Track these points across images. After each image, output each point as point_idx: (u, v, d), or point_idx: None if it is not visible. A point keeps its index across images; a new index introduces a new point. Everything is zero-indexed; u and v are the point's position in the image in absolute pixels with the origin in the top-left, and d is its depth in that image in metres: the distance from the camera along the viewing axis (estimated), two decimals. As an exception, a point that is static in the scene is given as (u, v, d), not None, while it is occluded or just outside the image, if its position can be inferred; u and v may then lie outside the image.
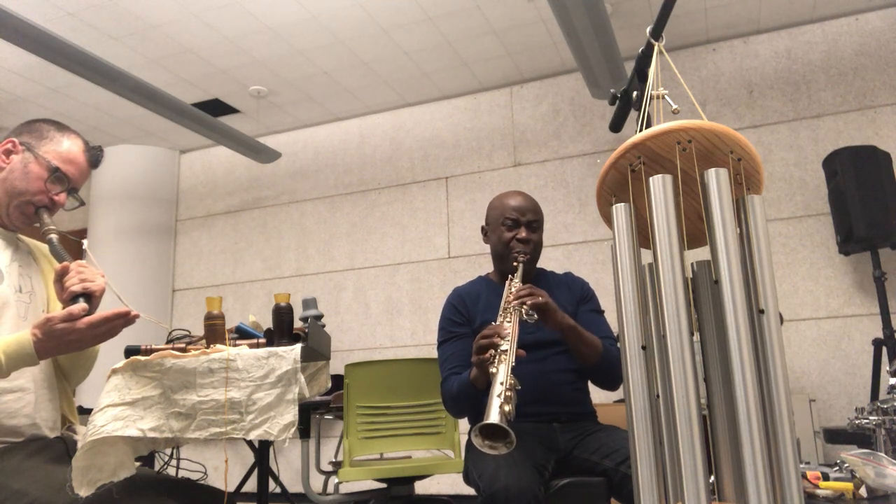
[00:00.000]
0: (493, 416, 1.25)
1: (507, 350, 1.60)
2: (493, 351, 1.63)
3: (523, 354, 1.65)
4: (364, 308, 5.24)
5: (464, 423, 2.40)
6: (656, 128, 1.09)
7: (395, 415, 2.96)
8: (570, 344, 1.96)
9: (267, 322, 1.98)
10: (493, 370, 1.54)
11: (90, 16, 4.05)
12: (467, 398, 1.90)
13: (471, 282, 2.27)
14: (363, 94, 5.20)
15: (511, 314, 1.79)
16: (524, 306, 1.82)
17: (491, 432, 1.27)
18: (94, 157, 1.72)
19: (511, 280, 2.01)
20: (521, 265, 2.05)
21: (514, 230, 2.11)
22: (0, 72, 4.62)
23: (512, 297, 1.85)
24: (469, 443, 2.08)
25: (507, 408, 1.30)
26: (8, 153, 1.64)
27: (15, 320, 1.54)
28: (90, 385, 1.81)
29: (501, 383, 1.42)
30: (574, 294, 2.19)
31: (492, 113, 5.18)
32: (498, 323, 1.78)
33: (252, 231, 5.76)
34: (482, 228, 2.26)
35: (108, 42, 4.30)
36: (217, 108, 5.24)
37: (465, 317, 2.13)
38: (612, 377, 2.03)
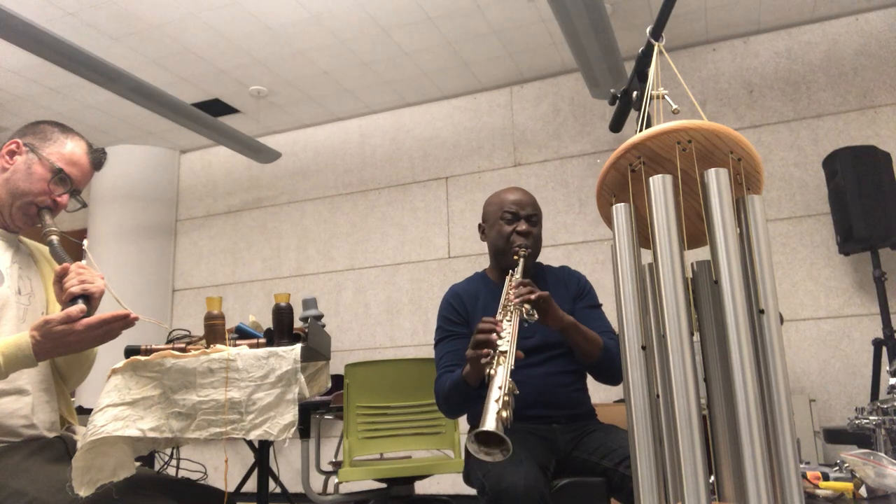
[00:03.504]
0: (490, 424, 1.22)
1: (506, 351, 1.55)
2: (491, 351, 1.58)
3: (521, 356, 1.60)
4: (364, 308, 5.24)
5: (464, 423, 2.40)
6: (656, 128, 1.09)
7: (395, 415, 2.97)
8: (571, 341, 1.93)
9: (267, 322, 1.98)
10: (492, 372, 1.49)
11: (90, 16, 4.05)
12: (458, 395, 1.85)
13: (468, 279, 2.23)
14: (363, 94, 5.20)
15: (511, 313, 1.73)
16: (525, 305, 1.76)
17: (487, 439, 1.25)
18: (97, 159, 1.72)
19: (511, 276, 1.96)
20: (521, 259, 2.00)
21: (514, 223, 2.07)
22: (0, 72, 4.62)
23: (513, 295, 1.80)
24: (469, 442, 2.08)
25: (504, 414, 1.27)
26: (11, 154, 1.64)
27: (15, 322, 1.54)
28: (90, 385, 1.81)
29: (500, 387, 1.37)
30: (570, 291, 2.16)
31: (492, 113, 5.18)
32: (497, 319, 1.71)
33: (252, 231, 5.77)
34: (479, 226, 2.21)
35: (108, 42, 4.30)
36: (217, 108, 5.24)
37: (463, 316, 2.09)
38: (613, 372, 2.00)
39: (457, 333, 2.07)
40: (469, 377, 1.74)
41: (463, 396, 1.83)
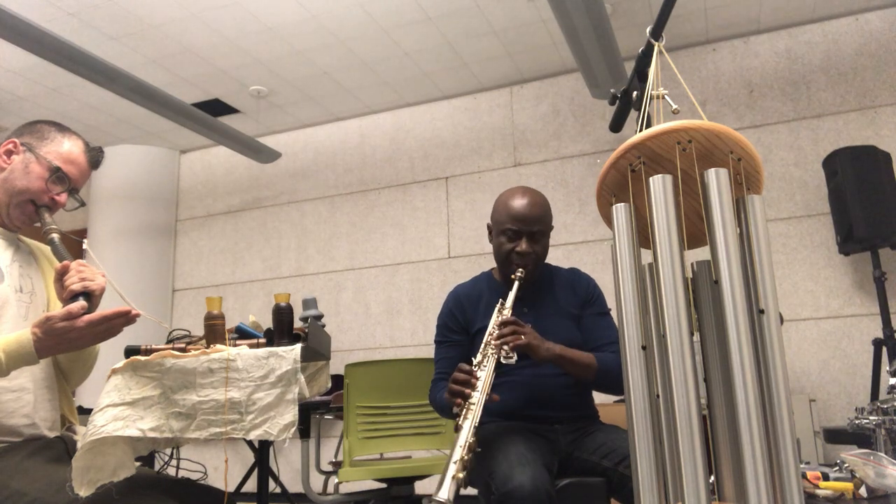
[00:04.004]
0: (444, 493, 1.31)
1: (475, 403, 1.62)
2: (462, 402, 1.64)
3: (497, 399, 1.68)
4: (364, 308, 5.24)
5: (464, 423, 2.39)
6: (656, 128, 1.09)
7: (395, 415, 2.96)
8: (562, 369, 1.93)
9: (267, 322, 1.98)
10: (460, 423, 1.56)
11: (90, 16, 4.05)
12: (447, 414, 1.92)
13: (474, 279, 2.21)
14: (363, 94, 5.20)
15: (489, 357, 1.76)
16: (504, 348, 1.76)
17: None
18: (95, 157, 1.72)
19: (501, 305, 1.93)
20: (516, 282, 1.96)
21: (515, 241, 1.98)
22: (0, 72, 4.62)
23: (495, 335, 1.80)
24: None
25: (461, 475, 1.35)
26: (9, 153, 1.64)
27: (15, 320, 1.54)
28: (90, 385, 1.81)
29: (461, 446, 1.44)
30: (578, 296, 2.11)
31: (492, 113, 5.18)
32: (477, 362, 1.76)
33: (252, 231, 5.76)
34: (488, 225, 2.15)
35: (108, 42, 4.30)
36: (217, 108, 5.24)
37: (462, 323, 2.09)
38: (612, 387, 1.99)
39: (454, 341, 2.09)
40: (449, 404, 1.78)
41: (451, 414, 1.86)
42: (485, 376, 1.69)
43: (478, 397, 1.63)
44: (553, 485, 1.76)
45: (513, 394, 2.00)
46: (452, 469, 1.35)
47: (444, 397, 1.74)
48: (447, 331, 2.11)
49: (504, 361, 1.76)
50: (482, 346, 1.82)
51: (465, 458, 1.40)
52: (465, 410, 1.61)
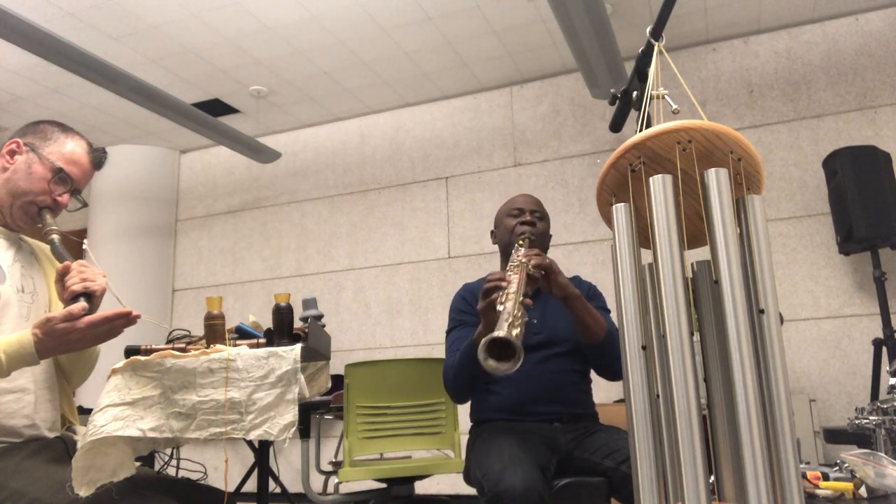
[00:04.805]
0: (503, 330, 1.23)
1: (513, 293, 1.59)
2: (499, 293, 1.63)
3: (530, 303, 1.62)
4: (364, 308, 5.24)
5: (464, 423, 2.40)
6: (656, 128, 1.10)
7: (395, 415, 2.96)
8: (575, 315, 1.92)
9: (267, 322, 1.98)
10: (500, 307, 1.52)
11: (90, 16, 4.05)
12: (470, 361, 1.83)
13: (480, 279, 2.27)
14: (363, 94, 5.20)
15: (518, 269, 1.78)
16: (532, 261, 1.83)
17: (498, 352, 1.22)
18: (98, 158, 1.72)
19: (517, 249, 2.01)
20: (526, 241, 2.07)
21: (520, 217, 2.18)
22: (0, 72, 4.62)
23: (521, 255, 1.87)
24: (470, 443, 2.08)
25: (515, 331, 1.27)
26: (12, 154, 1.64)
27: (17, 320, 1.54)
28: (90, 385, 1.82)
29: (510, 312, 1.39)
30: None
31: (492, 113, 5.18)
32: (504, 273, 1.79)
33: (252, 231, 5.76)
34: (492, 232, 2.31)
35: (108, 42, 4.30)
36: (217, 108, 5.24)
37: (474, 308, 2.13)
38: (617, 357, 1.97)
39: (467, 322, 2.12)
40: (481, 336, 1.70)
41: (474, 362, 1.80)
42: (518, 279, 1.68)
43: (514, 288, 1.60)
44: (548, 485, 1.76)
45: (514, 389, 2.02)
46: (507, 318, 1.32)
47: (479, 308, 1.72)
48: (460, 314, 2.15)
49: (531, 271, 1.81)
50: (507, 265, 1.87)
51: (518, 314, 1.36)
52: (504, 296, 1.58)
